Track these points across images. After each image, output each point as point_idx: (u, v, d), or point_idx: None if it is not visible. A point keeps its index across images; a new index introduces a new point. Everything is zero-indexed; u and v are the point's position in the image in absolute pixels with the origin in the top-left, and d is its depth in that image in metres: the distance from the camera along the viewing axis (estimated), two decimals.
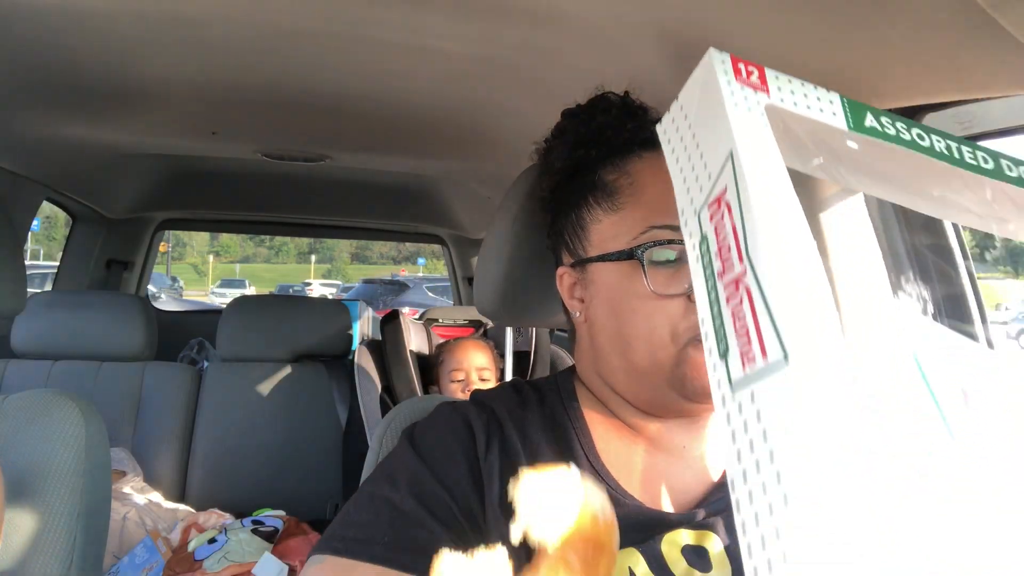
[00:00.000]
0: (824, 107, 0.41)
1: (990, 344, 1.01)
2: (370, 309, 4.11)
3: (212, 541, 1.69)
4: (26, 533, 0.93)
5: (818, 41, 0.75)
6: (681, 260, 0.64)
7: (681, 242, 0.64)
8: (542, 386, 0.77)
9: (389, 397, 1.93)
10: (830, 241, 1.04)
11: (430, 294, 11.64)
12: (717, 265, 0.33)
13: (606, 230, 0.70)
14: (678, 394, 0.66)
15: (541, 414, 0.72)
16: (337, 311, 2.35)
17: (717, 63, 0.40)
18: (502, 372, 1.97)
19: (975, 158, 0.43)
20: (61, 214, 2.62)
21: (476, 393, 0.76)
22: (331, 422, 2.18)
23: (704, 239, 0.35)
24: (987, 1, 0.52)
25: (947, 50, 0.65)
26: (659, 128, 0.41)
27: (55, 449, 0.96)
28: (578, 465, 0.67)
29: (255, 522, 1.80)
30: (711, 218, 0.35)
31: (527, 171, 0.89)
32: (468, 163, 1.98)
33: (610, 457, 0.69)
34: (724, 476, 0.69)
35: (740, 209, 0.33)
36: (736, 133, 0.36)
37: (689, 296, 0.63)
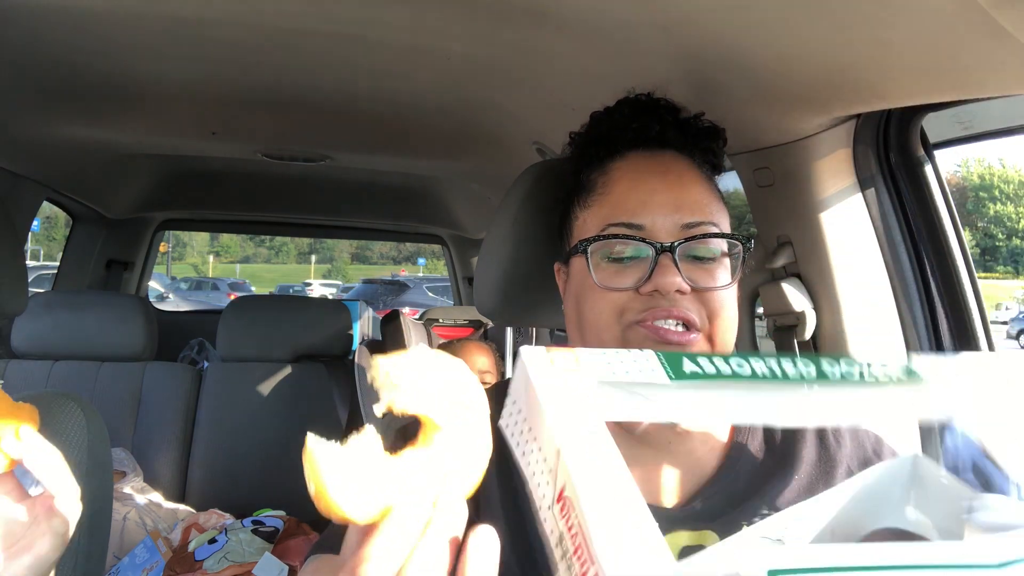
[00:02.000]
0: (643, 366, 0.42)
1: (990, 344, 1.01)
2: (370, 309, 4.11)
3: (212, 541, 1.69)
4: None
5: (818, 41, 0.75)
6: (633, 257, 0.69)
7: (635, 238, 0.68)
8: None
9: None
10: (830, 241, 1.05)
11: (430, 294, 11.65)
12: (576, 567, 0.33)
13: (580, 227, 0.74)
14: None
15: None
16: (337, 311, 2.35)
17: (531, 361, 0.41)
18: (503, 375, 1.98)
19: (796, 370, 0.44)
20: (61, 214, 2.62)
21: None
22: (331, 422, 2.18)
23: (561, 538, 0.35)
24: (987, 1, 0.52)
25: (947, 50, 0.65)
26: (501, 423, 0.42)
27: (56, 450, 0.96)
28: None
29: (255, 522, 1.80)
30: (562, 513, 0.35)
31: (527, 171, 0.89)
32: (468, 163, 1.98)
33: None
34: (715, 470, 0.70)
35: (579, 505, 0.33)
36: (559, 430, 0.37)
37: (636, 289, 0.67)
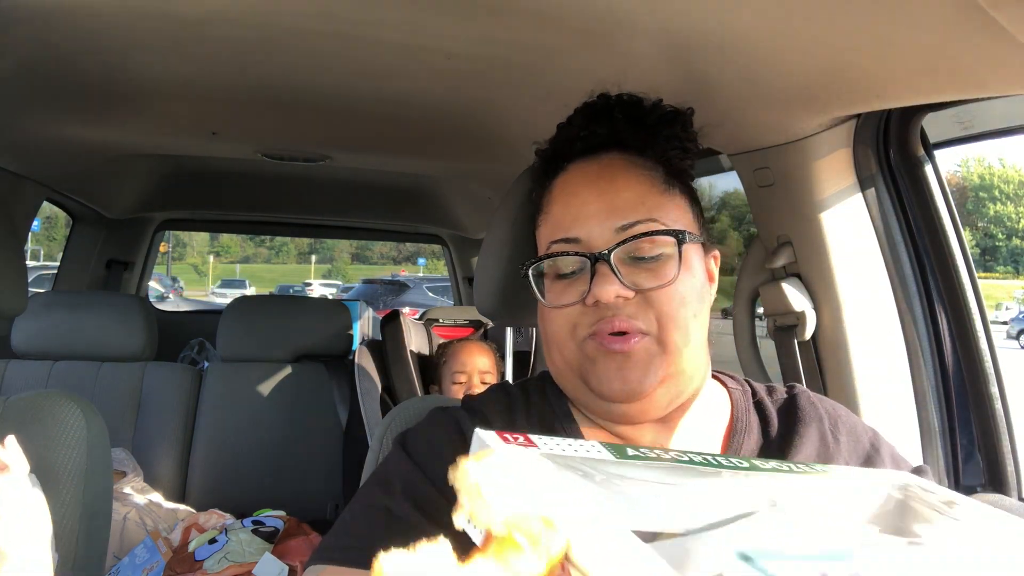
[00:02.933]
0: (589, 449, 0.46)
1: (991, 344, 1.01)
2: (370, 309, 4.11)
3: (212, 541, 1.69)
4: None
5: (818, 41, 0.75)
6: (576, 271, 0.69)
7: (574, 253, 0.68)
8: (529, 387, 0.78)
9: (389, 397, 1.93)
10: (830, 241, 1.05)
11: (430, 294, 11.64)
12: None
13: (539, 247, 0.75)
14: (595, 393, 0.68)
15: (528, 417, 0.73)
16: (337, 311, 2.35)
17: (483, 444, 0.44)
18: (503, 375, 1.97)
19: (731, 462, 0.48)
20: (61, 214, 2.62)
21: (467, 398, 0.77)
22: (331, 422, 2.18)
23: None
24: (987, 1, 0.52)
25: (947, 50, 0.65)
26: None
27: (56, 450, 0.96)
28: None
29: (255, 522, 1.80)
30: None
31: (526, 172, 0.89)
32: (468, 163, 1.98)
33: None
34: None
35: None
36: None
37: (583, 302, 0.67)
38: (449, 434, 0.70)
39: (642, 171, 0.71)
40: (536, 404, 0.75)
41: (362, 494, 0.69)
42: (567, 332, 0.69)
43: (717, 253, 0.75)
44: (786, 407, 0.74)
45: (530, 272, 0.71)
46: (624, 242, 0.66)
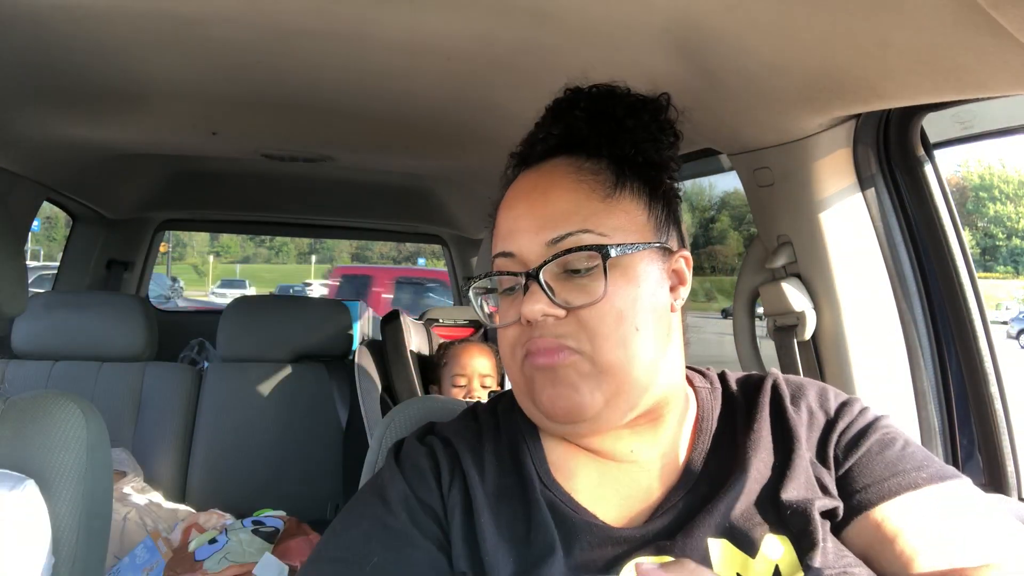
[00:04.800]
0: None
1: (991, 344, 1.01)
2: (370, 309, 4.10)
3: (213, 541, 1.69)
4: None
5: (818, 41, 0.75)
6: (516, 287, 0.66)
7: (507, 272, 0.66)
8: (499, 406, 0.76)
9: (389, 397, 1.93)
10: (830, 241, 1.04)
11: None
12: None
13: None
14: (545, 417, 0.66)
15: (496, 441, 0.71)
16: (337, 311, 2.35)
17: None
18: (502, 377, 1.97)
19: None
20: (61, 214, 2.62)
21: (439, 428, 0.75)
22: (331, 422, 2.18)
23: None
24: (987, 1, 0.52)
25: (947, 50, 0.65)
26: None
27: (56, 450, 0.96)
28: (532, 487, 0.66)
29: (255, 522, 1.80)
30: None
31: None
32: (468, 163, 1.97)
33: (563, 473, 0.69)
34: (679, 477, 0.68)
35: None
36: None
37: (519, 321, 0.64)
38: (431, 463, 0.69)
39: (585, 177, 0.67)
40: (505, 423, 0.73)
41: (356, 503, 0.68)
42: (510, 352, 0.67)
43: (687, 254, 0.71)
44: (754, 396, 0.71)
45: (471, 291, 0.69)
46: (553, 258, 0.63)
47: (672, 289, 0.69)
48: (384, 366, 2.00)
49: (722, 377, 0.76)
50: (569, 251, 0.63)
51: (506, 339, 0.67)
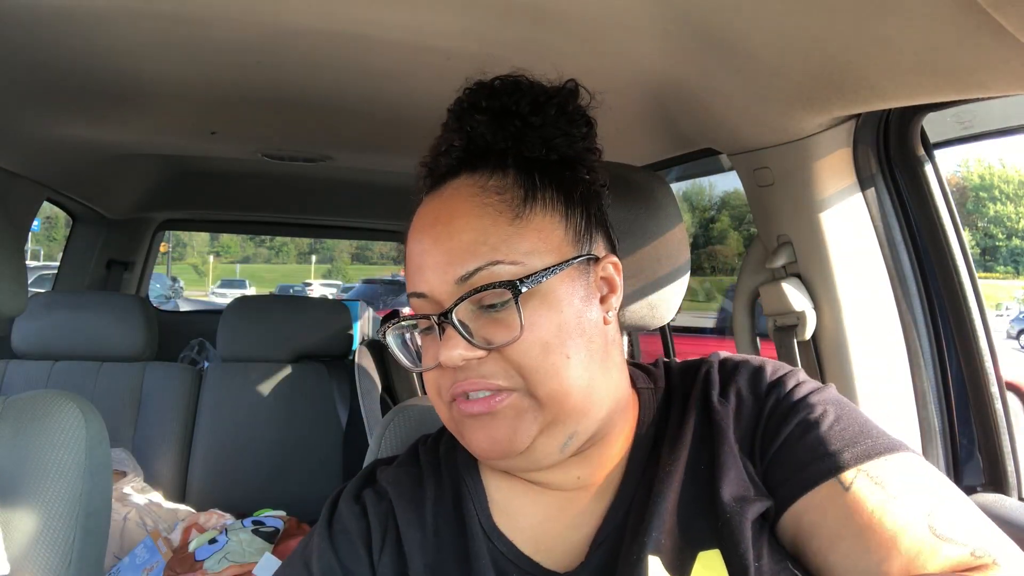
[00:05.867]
0: None
1: (991, 344, 1.01)
2: (370, 309, 4.10)
3: (213, 541, 1.69)
4: (26, 533, 0.93)
5: (818, 41, 0.75)
6: (429, 330, 0.62)
7: (422, 316, 0.61)
8: (441, 442, 0.72)
9: (389, 397, 1.93)
10: (830, 241, 1.04)
11: None
12: None
13: None
14: (479, 457, 0.63)
15: (437, 486, 0.68)
16: (337, 311, 2.35)
17: None
18: None
19: None
20: (61, 214, 2.62)
21: (380, 474, 0.70)
22: (332, 422, 2.18)
23: None
24: (987, 1, 0.52)
25: (947, 50, 0.65)
26: None
27: (56, 450, 0.96)
28: (474, 539, 0.63)
29: (256, 522, 1.80)
30: None
31: None
32: None
33: (505, 514, 0.65)
34: (615, 497, 0.63)
35: None
36: None
37: (440, 365, 0.60)
38: (360, 523, 0.66)
39: (490, 198, 0.61)
40: (447, 461, 0.69)
41: (284, 570, 0.67)
42: (436, 395, 0.63)
43: (615, 259, 0.65)
44: (689, 389, 0.67)
45: (390, 334, 0.64)
46: (463, 298, 0.58)
47: (603, 300, 0.64)
48: (384, 366, 2.00)
49: (667, 370, 0.71)
50: (478, 290, 0.58)
51: (431, 382, 0.63)
